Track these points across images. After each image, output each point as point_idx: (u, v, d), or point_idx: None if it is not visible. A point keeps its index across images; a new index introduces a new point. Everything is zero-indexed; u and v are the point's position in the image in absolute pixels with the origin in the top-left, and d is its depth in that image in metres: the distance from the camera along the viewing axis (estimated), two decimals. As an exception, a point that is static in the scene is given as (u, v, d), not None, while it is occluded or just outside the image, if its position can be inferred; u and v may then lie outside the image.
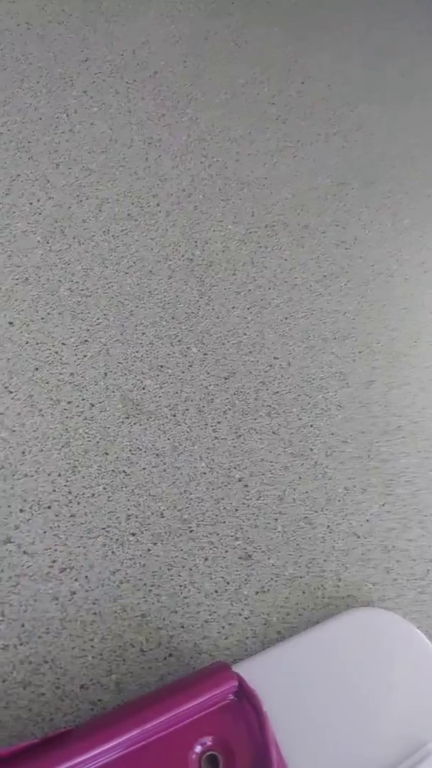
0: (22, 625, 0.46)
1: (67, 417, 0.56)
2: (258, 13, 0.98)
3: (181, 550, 0.52)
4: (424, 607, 0.55)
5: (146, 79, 0.82)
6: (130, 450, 0.56)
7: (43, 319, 0.60)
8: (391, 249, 0.79)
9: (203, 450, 0.58)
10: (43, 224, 0.65)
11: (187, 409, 0.60)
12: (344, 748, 0.44)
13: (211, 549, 0.53)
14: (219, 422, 0.60)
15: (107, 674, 0.46)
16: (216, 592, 0.51)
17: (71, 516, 0.51)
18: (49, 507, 0.51)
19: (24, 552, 0.49)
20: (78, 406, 0.57)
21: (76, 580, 0.49)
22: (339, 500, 0.59)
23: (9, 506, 0.50)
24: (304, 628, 0.51)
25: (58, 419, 0.55)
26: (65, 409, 0.56)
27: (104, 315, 0.62)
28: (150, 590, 0.50)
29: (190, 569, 0.52)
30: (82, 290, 0.63)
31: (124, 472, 0.55)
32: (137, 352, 0.61)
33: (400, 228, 0.82)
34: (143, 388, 0.59)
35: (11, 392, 0.55)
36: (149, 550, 0.52)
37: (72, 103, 0.76)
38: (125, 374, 0.60)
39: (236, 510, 0.56)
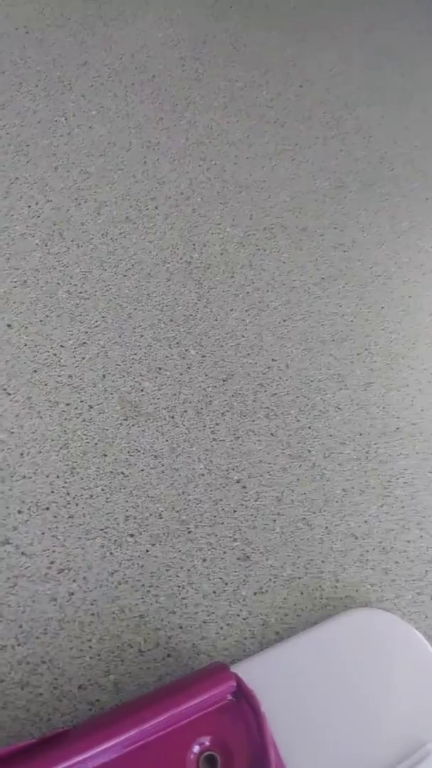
0: (20, 626, 0.46)
1: (65, 419, 0.56)
2: (256, 16, 0.99)
3: (180, 551, 0.53)
4: (423, 607, 0.56)
5: (144, 83, 0.82)
6: (129, 452, 0.56)
7: (41, 321, 0.60)
8: (390, 251, 0.80)
9: (201, 451, 0.58)
10: (41, 227, 0.66)
11: (185, 411, 0.60)
12: (342, 748, 0.44)
13: (209, 550, 0.53)
14: (217, 424, 0.60)
15: (105, 675, 0.46)
16: (214, 592, 0.51)
17: (69, 517, 0.51)
18: (48, 508, 0.51)
19: (22, 553, 0.49)
20: (76, 408, 0.57)
21: (74, 581, 0.49)
22: (337, 501, 0.59)
23: (7, 507, 0.51)
24: (303, 628, 0.51)
25: (57, 421, 0.55)
26: (64, 411, 0.56)
27: (102, 317, 0.62)
28: (148, 591, 0.50)
29: (189, 570, 0.52)
30: (80, 293, 0.63)
31: (122, 473, 0.55)
32: (135, 354, 0.61)
33: (398, 230, 0.82)
34: (141, 390, 0.60)
35: (10, 394, 0.56)
36: (147, 551, 0.52)
37: (70, 106, 0.76)
38: (123, 376, 0.60)
39: (234, 511, 0.56)
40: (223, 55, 0.91)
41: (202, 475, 0.57)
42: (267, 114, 0.87)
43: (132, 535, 0.52)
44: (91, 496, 0.53)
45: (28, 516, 0.51)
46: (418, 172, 0.90)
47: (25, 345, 0.58)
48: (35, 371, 0.57)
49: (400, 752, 0.45)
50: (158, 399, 0.60)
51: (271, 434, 0.61)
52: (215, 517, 0.55)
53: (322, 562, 0.56)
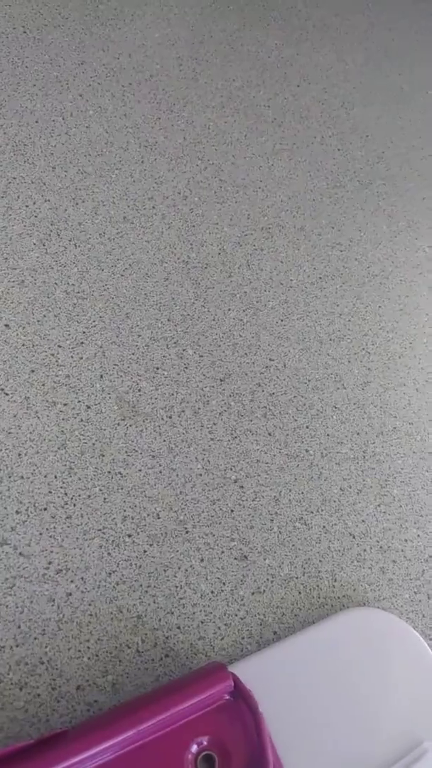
0: (18, 627, 0.46)
1: (63, 419, 0.56)
2: (254, 15, 0.99)
3: (177, 551, 0.53)
4: (420, 606, 0.56)
5: (142, 82, 0.82)
6: (126, 452, 0.56)
7: (39, 321, 0.60)
8: (387, 251, 0.80)
9: (199, 451, 0.58)
10: (39, 227, 0.66)
11: (182, 411, 0.60)
12: (340, 747, 0.44)
13: (207, 550, 0.53)
14: (215, 424, 0.60)
15: (103, 675, 0.46)
16: (212, 592, 0.52)
17: (67, 518, 0.51)
18: (45, 509, 0.51)
19: (20, 554, 0.49)
20: (74, 408, 0.57)
21: (72, 581, 0.49)
22: (335, 501, 0.59)
23: (5, 508, 0.51)
24: (300, 628, 0.52)
25: (54, 421, 0.55)
26: (61, 411, 0.56)
27: (100, 317, 0.62)
28: (146, 591, 0.50)
29: (186, 570, 0.52)
30: (78, 293, 0.63)
31: (120, 473, 0.55)
32: (133, 354, 0.61)
33: (395, 230, 0.82)
34: (139, 390, 0.60)
35: (7, 394, 0.56)
36: (145, 551, 0.52)
37: (68, 106, 0.76)
38: (121, 376, 0.60)
39: (232, 511, 0.56)
40: (221, 54, 0.91)
41: (200, 475, 0.57)
42: (264, 113, 0.87)
43: (130, 536, 0.52)
44: (89, 496, 0.53)
45: (25, 516, 0.51)
46: (415, 171, 0.90)
47: (23, 345, 0.58)
48: (33, 371, 0.57)
49: (397, 751, 0.45)
50: (156, 399, 0.60)
51: (269, 434, 0.61)
52: (213, 517, 0.55)
53: (320, 561, 0.56)
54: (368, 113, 0.94)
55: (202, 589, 0.51)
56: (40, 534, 0.50)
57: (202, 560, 0.53)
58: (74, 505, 0.52)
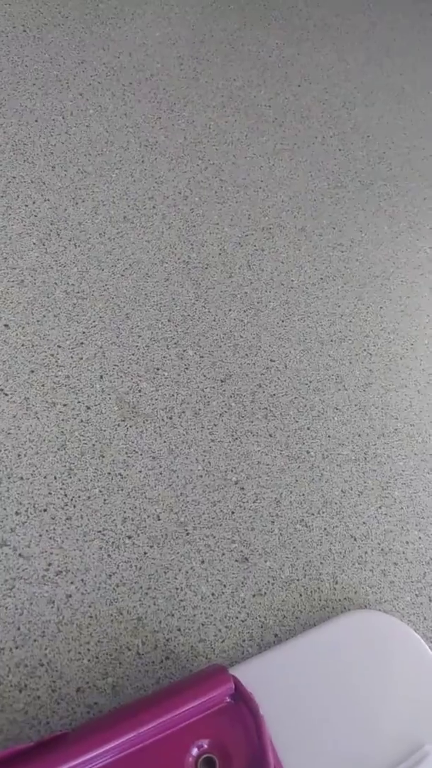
0: (18, 629, 0.46)
1: (62, 420, 0.56)
2: (255, 15, 0.99)
3: (178, 553, 0.52)
4: (421, 609, 0.55)
5: (142, 82, 0.82)
6: (126, 453, 0.56)
7: (38, 321, 0.60)
8: (388, 251, 0.80)
9: (199, 453, 0.58)
10: (38, 226, 0.65)
11: (183, 412, 0.60)
12: (341, 750, 0.44)
13: (207, 552, 0.53)
14: (215, 425, 0.60)
15: (103, 677, 0.46)
16: (213, 594, 0.51)
17: (67, 519, 0.51)
18: (45, 510, 0.51)
19: (20, 555, 0.49)
20: (74, 409, 0.56)
21: (71, 583, 0.49)
22: (336, 503, 0.59)
23: (4, 509, 0.50)
24: (301, 630, 0.51)
25: (54, 422, 0.55)
26: (61, 412, 0.56)
27: (100, 317, 0.62)
28: (146, 593, 0.50)
29: (187, 572, 0.52)
30: (77, 293, 0.63)
31: (120, 474, 0.55)
32: (133, 354, 0.61)
33: (396, 231, 0.82)
34: (139, 391, 0.59)
35: (7, 395, 0.55)
36: (145, 553, 0.52)
37: (68, 105, 0.76)
38: (121, 377, 0.60)
39: (233, 513, 0.56)
40: (222, 54, 0.91)
41: (201, 476, 0.57)
42: (265, 113, 0.87)
43: (130, 537, 0.52)
44: (89, 497, 0.53)
45: (25, 518, 0.50)
46: (417, 172, 0.90)
47: (23, 345, 0.58)
48: (32, 372, 0.57)
49: (398, 754, 0.45)
50: (156, 400, 0.59)
51: (270, 435, 0.61)
52: (213, 518, 0.55)
53: (321, 563, 0.55)
54: (369, 113, 0.94)
55: (203, 591, 0.51)
56: (40, 535, 0.50)
57: (202, 562, 0.53)
58: (74, 506, 0.52)
